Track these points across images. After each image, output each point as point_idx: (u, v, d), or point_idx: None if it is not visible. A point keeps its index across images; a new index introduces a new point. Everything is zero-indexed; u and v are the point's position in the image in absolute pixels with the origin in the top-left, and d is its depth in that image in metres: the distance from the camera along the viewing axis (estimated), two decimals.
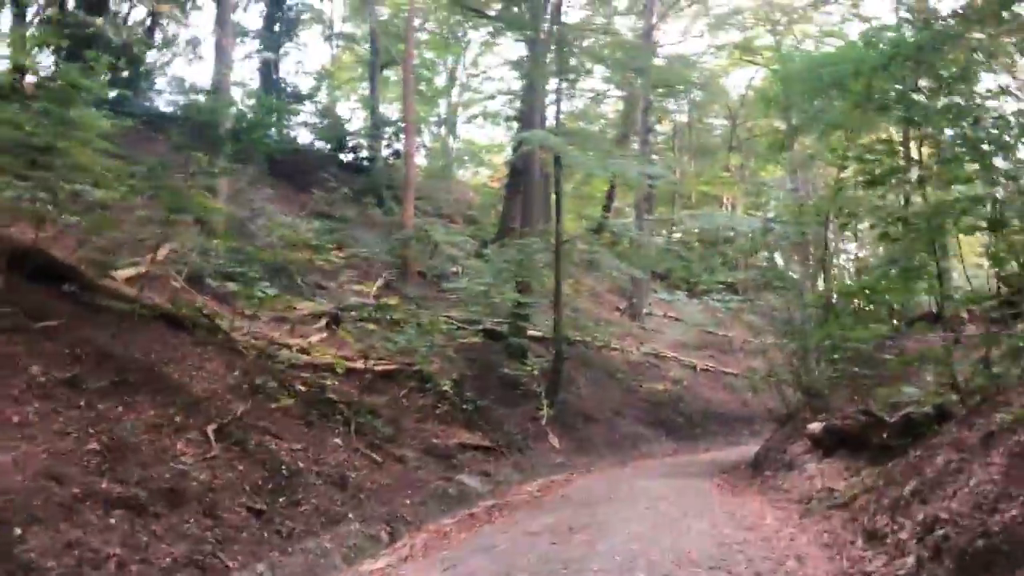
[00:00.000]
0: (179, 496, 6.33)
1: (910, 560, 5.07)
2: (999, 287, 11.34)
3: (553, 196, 19.58)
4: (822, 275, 14.48)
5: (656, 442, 18.90)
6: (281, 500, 7.54)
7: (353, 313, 13.19)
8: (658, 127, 38.19)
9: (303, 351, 11.41)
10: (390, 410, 12.02)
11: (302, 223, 18.49)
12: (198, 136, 11.85)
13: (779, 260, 21.10)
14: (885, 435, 8.22)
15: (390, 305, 12.57)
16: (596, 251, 21.56)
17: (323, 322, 13.71)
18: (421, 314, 15.11)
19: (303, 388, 10.59)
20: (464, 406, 13.99)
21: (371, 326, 11.68)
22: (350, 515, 8.22)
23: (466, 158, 40.21)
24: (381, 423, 11.19)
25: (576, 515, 9.13)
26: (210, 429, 7.79)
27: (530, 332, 18.89)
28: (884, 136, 9.12)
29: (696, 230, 36.42)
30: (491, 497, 11.46)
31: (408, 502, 9.65)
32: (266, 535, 6.78)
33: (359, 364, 12.18)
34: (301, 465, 8.49)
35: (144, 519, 5.87)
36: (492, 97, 36.86)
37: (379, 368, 13.16)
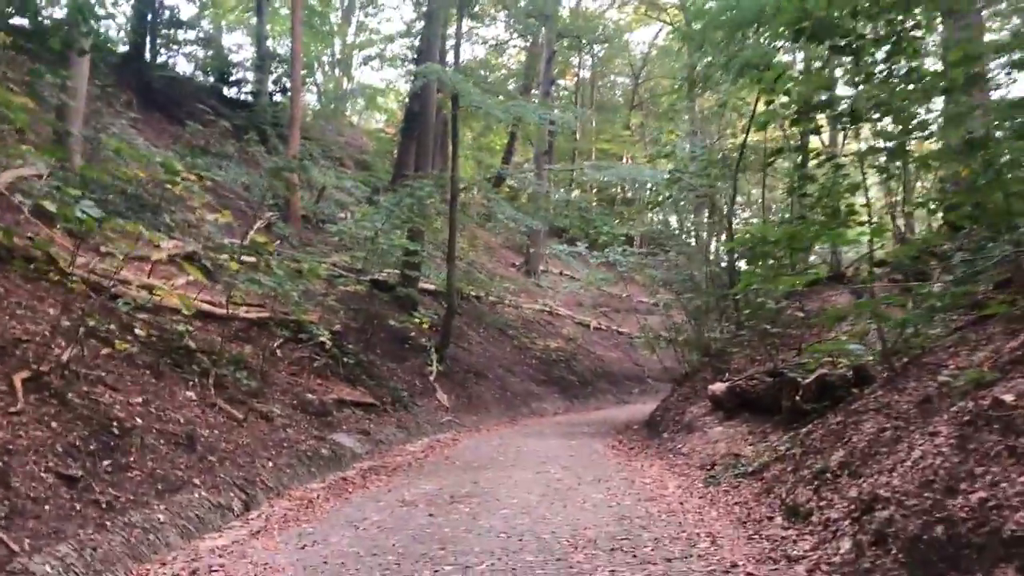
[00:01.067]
0: None
1: (845, 544, 4.32)
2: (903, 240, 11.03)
3: (450, 141, 18.46)
4: (726, 231, 13.93)
5: (548, 400, 18.37)
6: (106, 464, 6.25)
7: (221, 255, 11.73)
8: (561, 82, 37.35)
9: (150, 290, 9.92)
10: (258, 362, 10.75)
11: (171, 155, 16.72)
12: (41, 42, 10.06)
13: (673, 220, 20.65)
14: (797, 398, 7.58)
15: (262, 245, 11.15)
16: (494, 199, 20.58)
17: (185, 262, 12.16)
18: (298, 257, 13.80)
19: (150, 334, 9.19)
20: (345, 359, 12.90)
21: (235, 266, 10.31)
22: (195, 481, 7.00)
23: (361, 101, 38.23)
24: (246, 376, 9.96)
25: (459, 481, 8.23)
26: (19, 378, 6.39)
27: (421, 284, 17.92)
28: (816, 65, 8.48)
29: (595, 189, 36.02)
30: (369, 459, 10.50)
31: (271, 464, 8.51)
32: (78, 507, 5.52)
33: (223, 310, 10.86)
34: (139, 422, 7.20)
35: None
36: (391, 39, 35.08)
37: (249, 315, 11.87)
